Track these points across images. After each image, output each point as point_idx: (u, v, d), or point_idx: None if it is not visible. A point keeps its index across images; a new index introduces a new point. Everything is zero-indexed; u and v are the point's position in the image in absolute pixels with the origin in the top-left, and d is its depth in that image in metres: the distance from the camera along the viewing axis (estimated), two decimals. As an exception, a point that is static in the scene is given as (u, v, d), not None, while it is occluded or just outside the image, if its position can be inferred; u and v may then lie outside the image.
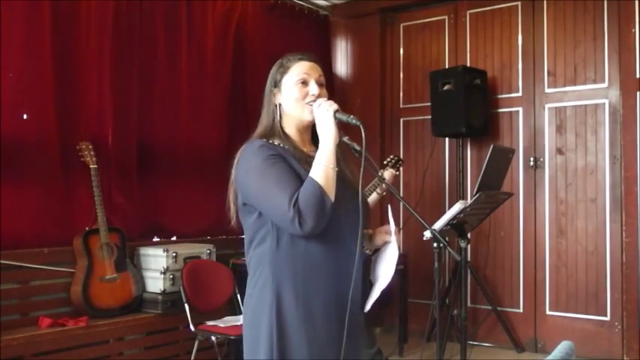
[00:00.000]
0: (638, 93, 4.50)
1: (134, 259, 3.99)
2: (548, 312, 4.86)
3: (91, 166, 3.63)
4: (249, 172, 1.80)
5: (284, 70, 1.88)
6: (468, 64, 5.19)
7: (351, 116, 1.77)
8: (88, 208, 3.72)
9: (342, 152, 1.88)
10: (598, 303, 4.65)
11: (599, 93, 4.72)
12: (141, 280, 3.89)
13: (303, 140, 1.91)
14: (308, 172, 1.76)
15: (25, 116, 3.60)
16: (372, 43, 5.76)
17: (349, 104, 5.81)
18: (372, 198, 3.69)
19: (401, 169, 3.91)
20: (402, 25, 5.71)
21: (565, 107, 4.86)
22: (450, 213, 3.24)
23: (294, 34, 5.52)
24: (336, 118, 1.77)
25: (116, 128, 4.02)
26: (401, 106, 5.69)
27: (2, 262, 3.36)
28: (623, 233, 4.54)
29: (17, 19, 3.52)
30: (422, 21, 5.60)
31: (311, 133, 1.92)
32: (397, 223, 5.90)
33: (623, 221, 4.55)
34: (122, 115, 4.04)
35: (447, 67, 5.32)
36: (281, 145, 1.85)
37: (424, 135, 5.47)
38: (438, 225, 3.19)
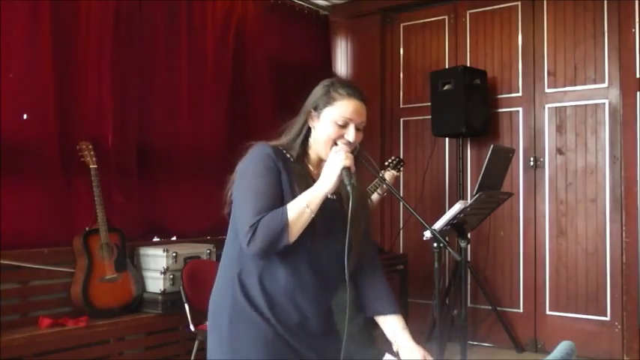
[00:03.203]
0: (638, 93, 4.50)
1: (134, 259, 3.99)
2: (548, 312, 4.86)
3: (91, 166, 3.63)
4: (243, 173, 1.81)
5: (329, 101, 1.81)
6: (468, 64, 5.19)
7: (353, 181, 1.71)
8: (88, 208, 3.72)
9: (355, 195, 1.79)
10: (598, 303, 4.65)
11: (599, 93, 4.72)
12: (141, 280, 3.89)
13: (319, 166, 1.86)
14: (297, 195, 1.74)
15: (25, 116, 3.59)
16: (372, 43, 5.76)
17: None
18: (373, 198, 3.69)
19: (401, 169, 3.91)
20: (402, 25, 5.71)
21: (565, 107, 4.86)
22: (450, 213, 3.24)
23: (294, 34, 5.52)
24: (341, 172, 1.71)
25: (116, 128, 4.01)
26: (401, 106, 5.69)
27: (2, 262, 3.36)
28: (623, 233, 4.54)
29: (17, 19, 3.52)
30: (422, 21, 5.60)
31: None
32: (397, 223, 5.93)
33: (623, 221, 4.55)
34: (122, 115, 4.04)
35: (447, 67, 5.33)
36: (292, 159, 1.84)
37: (424, 135, 5.47)
38: (438, 225, 3.19)
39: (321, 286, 1.85)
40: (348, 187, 1.70)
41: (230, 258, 1.88)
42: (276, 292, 1.80)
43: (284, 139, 1.88)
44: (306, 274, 1.81)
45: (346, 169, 1.71)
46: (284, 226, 1.68)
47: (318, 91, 1.86)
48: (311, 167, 1.88)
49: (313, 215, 1.71)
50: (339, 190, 1.79)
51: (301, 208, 1.70)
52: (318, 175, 1.79)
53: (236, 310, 1.82)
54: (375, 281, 1.97)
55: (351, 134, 1.79)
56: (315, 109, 1.83)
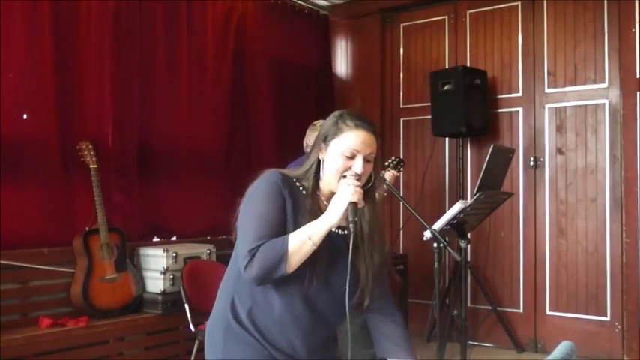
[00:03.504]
0: (638, 93, 4.50)
1: (134, 259, 3.99)
2: (548, 312, 4.86)
3: (91, 166, 3.63)
4: (248, 198, 1.80)
5: (337, 132, 1.79)
6: (468, 64, 5.19)
7: (356, 219, 1.69)
8: (88, 208, 3.72)
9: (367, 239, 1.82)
10: (598, 303, 4.65)
11: (599, 93, 4.72)
12: (141, 280, 3.89)
13: (331, 197, 1.79)
14: (300, 226, 1.73)
15: (25, 116, 3.59)
16: (372, 43, 5.76)
17: (349, 104, 5.82)
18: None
19: (401, 170, 3.90)
20: (402, 25, 5.71)
21: (565, 107, 4.86)
22: (450, 213, 3.24)
23: (294, 34, 5.52)
24: (348, 206, 1.69)
25: (116, 128, 4.02)
26: (401, 106, 5.69)
27: (2, 262, 3.36)
28: (623, 233, 4.54)
29: (17, 19, 3.52)
30: (422, 21, 5.60)
31: None
32: (397, 223, 5.93)
33: (623, 221, 4.55)
34: (122, 115, 4.04)
35: (447, 67, 5.32)
36: (303, 191, 1.82)
37: (424, 135, 5.47)
38: (438, 225, 3.19)
39: (316, 323, 1.83)
40: (351, 225, 1.67)
41: (229, 279, 1.89)
42: (267, 321, 1.79)
43: (299, 172, 1.86)
44: (300, 310, 1.79)
45: (352, 204, 1.68)
46: (283, 255, 1.67)
47: (328, 122, 1.84)
48: (323, 200, 1.84)
49: (315, 248, 1.69)
50: (349, 226, 1.72)
51: (303, 239, 1.68)
52: (323, 202, 1.80)
53: (229, 330, 1.82)
54: (386, 321, 1.93)
55: (358, 166, 1.76)
56: (324, 140, 1.81)
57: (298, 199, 1.79)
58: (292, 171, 1.87)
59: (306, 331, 1.81)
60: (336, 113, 1.85)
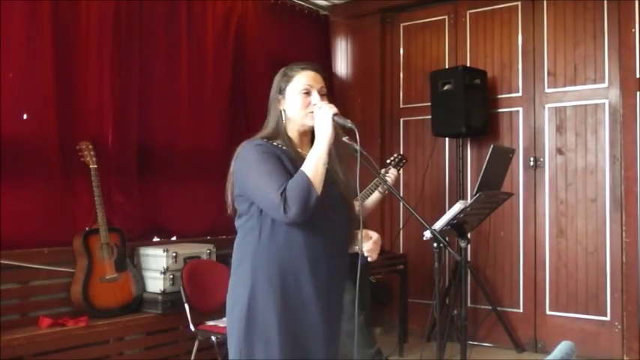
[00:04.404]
0: (638, 93, 4.50)
1: (134, 259, 3.99)
2: (548, 312, 4.86)
3: (91, 166, 3.63)
4: (246, 165, 1.94)
5: (288, 79, 2.02)
6: (468, 64, 5.19)
7: (348, 120, 1.91)
8: (88, 208, 3.72)
9: (338, 154, 2.01)
10: (598, 303, 4.65)
11: (599, 93, 4.72)
12: (141, 280, 3.89)
13: (303, 143, 2.05)
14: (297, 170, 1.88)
15: (25, 116, 3.59)
16: (372, 43, 5.76)
17: (349, 104, 5.82)
18: (374, 197, 3.68)
19: (402, 166, 3.90)
20: (402, 25, 5.71)
21: (565, 107, 4.86)
22: (450, 213, 3.24)
23: (294, 34, 5.52)
24: (333, 120, 1.90)
25: (116, 128, 4.01)
26: (401, 106, 5.69)
27: (2, 262, 3.36)
28: (623, 233, 4.54)
29: (17, 19, 3.52)
30: (422, 21, 5.60)
31: (310, 137, 2.04)
32: (397, 223, 5.92)
33: (623, 221, 4.55)
34: (122, 115, 4.04)
35: (447, 67, 5.32)
36: (281, 146, 1.98)
37: (424, 135, 5.47)
38: (438, 225, 3.19)
39: (333, 256, 2.00)
40: (349, 124, 1.89)
41: (247, 252, 1.96)
42: (290, 271, 1.92)
43: (266, 131, 2.04)
44: (321, 245, 1.95)
45: (336, 114, 1.90)
46: (308, 182, 1.82)
47: (276, 79, 2.07)
48: (298, 149, 2.02)
49: (327, 166, 1.88)
50: (331, 162, 1.95)
51: (315, 164, 1.85)
52: (305, 153, 1.95)
53: (250, 298, 1.92)
54: None
55: (316, 97, 1.98)
56: (280, 92, 2.03)
57: (283, 152, 1.96)
58: (260, 134, 2.03)
59: (329, 268, 1.97)
60: (280, 71, 2.08)
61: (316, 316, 1.95)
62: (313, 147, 1.90)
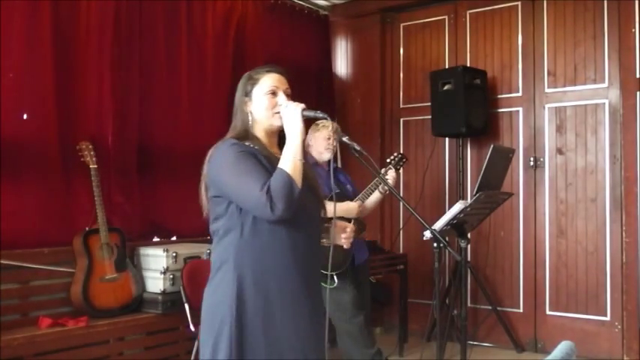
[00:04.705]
0: (638, 93, 4.50)
1: (134, 259, 3.99)
2: (548, 312, 4.86)
3: (91, 166, 3.63)
4: (223, 166, 1.96)
5: (254, 82, 2.07)
6: (468, 64, 5.19)
7: (318, 111, 1.97)
8: (88, 208, 3.72)
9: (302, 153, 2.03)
10: (598, 303, 4.65)
11: (599, 93, 4.72)
12: (141, 280, 3.89)
13: (271, 144, 2.09)
14: (275, 168, 1.91)
15: (25, 116, 3.59)
16: (372, 43, 5.76)
17: (349, 104, 5.82)
18: (374, 197, 3.68)
19: (401, 170, 3.90)
20: (402, 25, 5.71)
21: (565, 107, 4.86)
22: (450, 213, 3.24)
23: (294, 34, 5.51)
24: (303, 115, 1.95)
25: (116, 128, 4.01)
26: (401, 106, 5.69)
27: (2, 262, 3.36)
28: (623, 233, 4.54)
29: (17, 19, 3.51)
30: (422, 21, 5.60)
31: (278, 137, 2.10)
32: (397, 223, 5.92)
33: (623, 221, 4.55)
34: (122, 115, 4.04)
35: (447, 67, 5.33)
36: (252, 145, 2.01)
37: (424, 135, 5.47)
38: (438, 225, 3.19)
39: (313, 249, 2.05)
40: (320, 114, 1.96)
41: (228, 250, 1.97)
42: (273, 267, 1.94)
43: (233, 133, 2.06)
44: (302, 238, 1.99)
45: (304, 109, 1.96)
46: (290, 179, 1.86)
47: (241, 83, 2.11)
48: (267, 144, 2.06)
49: (303, 161, 1.92)
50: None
51: (292, 160, 1.89)
52: (275, 153, 2.02)
53: (238, 298, 1.92)
54: None
55: (282, 98, 2.04)
56: (246, 95, 2.07)
57: (257, 150, 1.99)
58: (229, 136, 2.06)
59: (310, 263, 2.01)
60: (245, 75, 2.13)
61: (304, 315, 1.97)
62: (287, 144, 1.94)
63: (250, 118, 2.06)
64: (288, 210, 1.85)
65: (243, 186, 1.88)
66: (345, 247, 2.17)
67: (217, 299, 1.96)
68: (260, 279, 1.92)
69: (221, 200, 1.98)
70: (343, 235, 2.13)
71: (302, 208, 1.93)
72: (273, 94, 2.04)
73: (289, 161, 1.89)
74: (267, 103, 2.03)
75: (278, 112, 2.01)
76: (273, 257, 1.93)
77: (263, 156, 1.97)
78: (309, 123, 3.94)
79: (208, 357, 1.95)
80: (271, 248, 1.93)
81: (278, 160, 1.94)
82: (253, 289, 1.91)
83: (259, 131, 2.06)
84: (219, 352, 1.91)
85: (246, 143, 2.00)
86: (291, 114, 1.95)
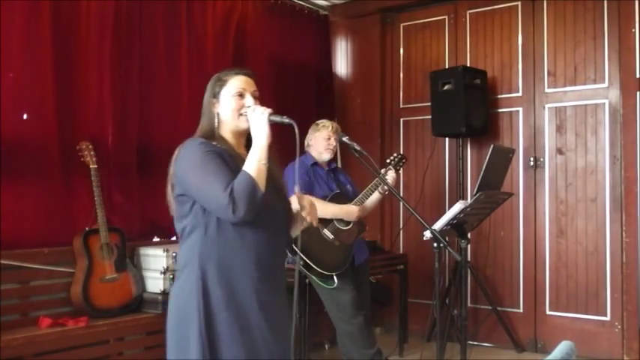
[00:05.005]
0: (638, 93, 4.50)
1: (134, 259, 3.99)
2: (548, 312, 4.86)
3: (91, 166, 3.63)
4: (189, 165, 1.98)
5: (222, 84, 2.11)
6: (468, 64, 5.19)
7: (285, 117, 2.01)
8: (88, 208, 3.72)
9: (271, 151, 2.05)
10: (598, 303, 4.65)
11: (599, 93, 4.72)
12: (141, 280, 3.89)
13: (239, 145, 2.12)
14: (239, 168, 1.95)
15: (25, 116, 3.59)
16: (372, 43, 5.76)
17: (349, 104, 5.82)
18: (374, 197, 3.68)
19: (400, 170, 3.90)
20: (402, 25, 5.71)
21: (565, 107, 4.86)
22: (450, 213, 3.24)
23: (294, 34, 5.51)
24: (270, 120, 1.99)
25: (116, 128, 4.01)
26: (401, 106, 5.69)
27: (2, 262, 3.36)
28: (623, 233, 4.54)
29: (17, 19, 3.51)
30: (422, 21, 5.60)
31: (245, 139, 2.14)
32: (397, 223, 5.93)
33: (623, 221, 4.55)
34: (122, 115, 4.04)
35: (447, 67, 5.33)
36: (218, 146, 2.04)
37: (424, 135, 5.47)
38: (438, 225, 3.19)
39: (276, 248, 2.09)
40: (286, 120, 1.99)
41: (193, 248, 1.99)
42: (238, 266, 1.98)
43: (200, 133, 2.10)
44: (265, 236, 2.02)
45: (271, 114, 1.99)
46: (253, 182, 1.89)
47: (210, 83, 2.16)
48: (234, 145, 2.10)
49: (267, 165, 1.95)
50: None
51: (257, 164, 1.93)
52: (242, 154, 2.04)
53: (204, 294, 1.94)
54: None
55: (250, 100, 2.07)
56: (214, 96, 2.11)
57: (223, 150, 2.02)
58: (197, 136, 2.09)
59: (273, 258, 2.05)
60: (213, 76, 2.17)
61: (271, 307, 2.01)
62: (252, 147, 1.97)
63: (217, 119, 2.09)
64: (249, 212, 1.88)
65: (207, 186, 1.91)
66: (311, 223, 2.16)
67: (183, 298, 1.98)
68: (224, 276, 1.95)
69: (186, 199, 2.01)
70: (304, 213, 2.13)
71: (266, 208, 1.96)
72: (241, 96, 2.08)
73: (253, 164, 1.92)
74: (234, 105, 2.07)
75: (244, 114, 2.04)
76: (236, 255, 1.96)
77: (229, 156, 2.00)
78: (305, 124, 3.94)
79: (175, 356, 1.97)
80: (235, 246, 1.96)
81: (244, 161, 1.98)
82: (218, 286, 1.94)
83: (226, 132, 2.10)
84: (190, 350, 1.93)
85: (213, 143, 2.03)
86: (258, 118, 1.99)
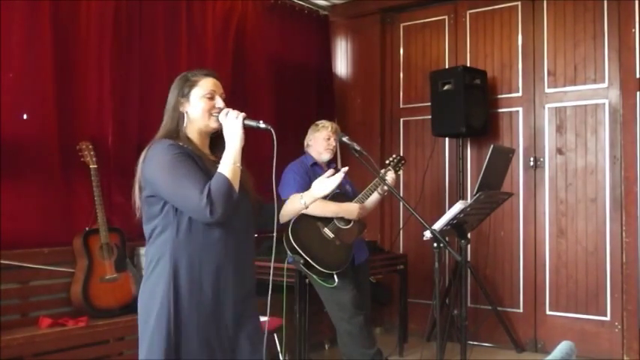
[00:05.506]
0: (638, 93, 4.50)
1: (134, 259, 3.99)
2: (548, 312, 4.86)
3: (91, 166, 3.63)
4: (160, 167, 2.00)
5: (192, 84, 2.13)
6: (468, 64, 5.19)
7: (260, 122, 2.06)
8: (88, 208, 3.72)
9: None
10: (598, 303, 4.65)
11: (599, 93, 4.72)
12: (141, 280, 3.88)
13: (203, 144, 2.16)
14: (209, 169, 2.00)
15: (25, 116, 3.59)
16: (372, 43, 5.76)
17: (349, 104, 5.82)
18: (373, 198, 3.68)
19: (400, 171, 3.89)
20: (402, 25, 5.71)
21: (565, 107, 4.86)
22: (450, 213, 3.24)
23: (294, 34, 5.51)
24: (245, 124, 2.04)
25: (116, 128, 4.01)
26: (401, 106, 5.69)
27: (2, 262, 3.36)
28: (623, 233, 4.54)
29: (17, 19, 3.51)
30: (422, 21, 5.60)
31: (209, 139, 2.18)
32: (397, 223, 5.92)
33: (623, 221, 4.55)
34: (122, 115, 4.04)
35: (447, 67, 5.33)
36: (185, 146, 2.06)
37: (424, 135, 5.47)
38: (438, 225, 3.19)
39: (244, 248, 2.13)
40: (262, 125, 2.04)
41: (165, 247, 2.04)
42: (207, 263, 2.02)
43: (163, 132, 2.12)
44: (233, 236, 2.07)
45: (246, 118, 2.05)
46: (230, 184, 1.95)
47: (177, 83, 2.16)
48: (199, 145, 2.13)
49: (241, 167, 2.01)
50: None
51: (232, 166, 1.98)
52: (207, 154, 2.10)
53: (174, 289, 2.01)
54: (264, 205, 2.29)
55: (220, 102, 2.12)
56: (183, 95, 2.12)
57: (190, 150, 2.04)
58: (160, 134, 2.12)
59: (241, 256, 2.09)
60: (179, 76, 2.17)
61: (230, 311, 2.05)
62: (226, 150, 2.01)
63: (186, 118, 2.11)
64: (225, 213, 1.93)
65: (182, 189, 1.94)
66: (336, 181, 2.21)
67: (154, 297, 2.04)
68: (195, 274, 2.00)
69: (156, 200, 2.04)
70: (326, 175, 2.20)
71: (236, 209, 2.01)
72: (211, 97, 2.12)
73: (229, 167, 1.97)
74: (204, 106, 2.10)
75: (215, 115, 2.09)
76: (207, 254, 2.01)
77: (197, 156, 2.03)
78: (305, 124, 3.94)
79: (145, 354, 2.07)
80: (206, 246, 2.01)
81: (211, 161, 2.06)
82: (188, 283, 1.99)
83: (193, 132, 2.13)
84: (156, 346, 2.02)
85: (180, 143, 2.05)
86: (232, 121, 2.04)
